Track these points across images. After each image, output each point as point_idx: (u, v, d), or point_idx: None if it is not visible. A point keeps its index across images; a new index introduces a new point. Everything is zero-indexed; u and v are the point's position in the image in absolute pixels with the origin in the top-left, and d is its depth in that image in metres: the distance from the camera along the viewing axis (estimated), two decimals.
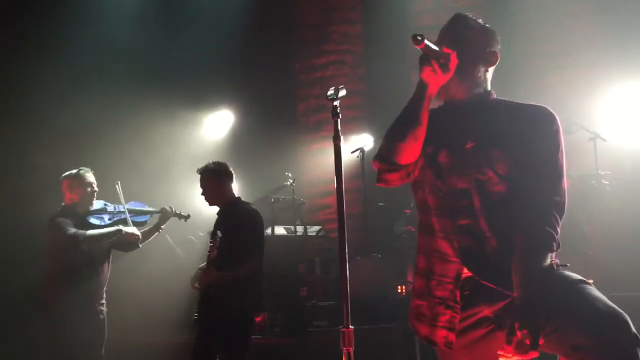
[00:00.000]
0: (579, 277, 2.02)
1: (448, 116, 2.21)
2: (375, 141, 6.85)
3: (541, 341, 1.88)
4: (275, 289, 5.95)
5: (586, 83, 6.79)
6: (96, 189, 4.75)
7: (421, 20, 7.85)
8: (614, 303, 1.92)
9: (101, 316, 4.64)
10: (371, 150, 6.76)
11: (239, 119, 8.20)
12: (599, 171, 5.76)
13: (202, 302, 4.23)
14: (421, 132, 2.09)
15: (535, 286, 1.94)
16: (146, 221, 5.02)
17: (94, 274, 4.62)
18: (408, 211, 6.42)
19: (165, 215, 4.96)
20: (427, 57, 2.05)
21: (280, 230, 6.87)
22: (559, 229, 2.03)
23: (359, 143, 6.87)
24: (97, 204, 4.77)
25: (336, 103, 2.28)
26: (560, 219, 2.05)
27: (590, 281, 2.03)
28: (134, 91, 6.87)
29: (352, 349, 2.15)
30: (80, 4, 7.21)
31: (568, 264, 2.09)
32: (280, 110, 8.53)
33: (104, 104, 6.87)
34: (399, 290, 6.10)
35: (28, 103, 6.75)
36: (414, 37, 1.96)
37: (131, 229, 4.70)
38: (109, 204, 4.83)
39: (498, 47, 2.26)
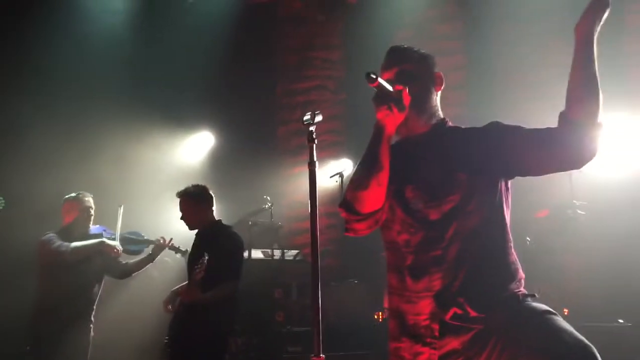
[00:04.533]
0: (545, 307, 1.99)
1: (409, 150, 2.16)
2: (355, 165, 6.85)
3: None
4: (251, 314, 5.88)
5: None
6: (92, 213, 4.81)
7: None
8: (588, 333, 1.90)
9: (88, 336, 4.64)
10: (350, 176, 6.76)
11: (219, 141, 8.17)
12: (575, 201, 5.82)
13: (174, 324, 4.17)
14: (384, 176, 2.04)
15: (498, 318, 1.94)
16: (141, 251, 5.02)
17: (83, 293, 4.63)
18: None
19: (159, 247, 4.94)
20: (380, 97, 2.00)
21: (257, 253, 6.81)
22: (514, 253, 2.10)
23: (338, 167, 6.88)
24: (95, 230, 4.81)
25: (312, 128, 2.25)
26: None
27: (566, 311, 2.01)
28: (112, 112, 6.81)
29: None
30: (59, 21, 7.13)
31: (536, 294, 2.06)
32: (260, 134, 8.52)
33: (78, 123, 6.77)
34: (376, 317, 6.07)
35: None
36: (368, 75, 1.90)
37: (113, 243, 4.73)
38: (107, 230, 4.82)
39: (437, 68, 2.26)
